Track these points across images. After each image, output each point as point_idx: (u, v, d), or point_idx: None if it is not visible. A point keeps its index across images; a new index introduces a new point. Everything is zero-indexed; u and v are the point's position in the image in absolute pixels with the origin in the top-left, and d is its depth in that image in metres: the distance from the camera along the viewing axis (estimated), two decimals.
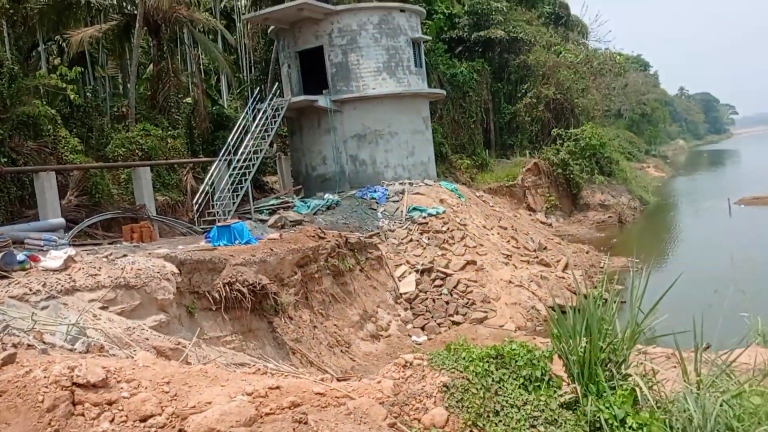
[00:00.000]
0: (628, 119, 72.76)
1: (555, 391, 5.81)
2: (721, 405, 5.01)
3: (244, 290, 12.90)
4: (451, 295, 18.98)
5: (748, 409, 5.11)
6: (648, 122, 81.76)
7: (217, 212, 21.16)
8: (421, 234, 21.24)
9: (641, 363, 5.94)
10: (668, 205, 47.62)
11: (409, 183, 24.87)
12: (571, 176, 36.72)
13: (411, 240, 20.98)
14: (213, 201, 21.63)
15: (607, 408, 5.42)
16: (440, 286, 19.33)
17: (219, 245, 15.85)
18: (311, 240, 17.00)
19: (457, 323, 18.10)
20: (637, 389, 5.52)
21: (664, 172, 73.45)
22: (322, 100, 24.97)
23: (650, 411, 5.37)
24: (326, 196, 23.51)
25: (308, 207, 22.04)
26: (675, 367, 6.62)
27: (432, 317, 18.38)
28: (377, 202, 22.95)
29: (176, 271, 11.43)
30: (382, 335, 17.32)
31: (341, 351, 15.38)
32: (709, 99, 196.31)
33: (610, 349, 5.93)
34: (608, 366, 5.88)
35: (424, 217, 21.87)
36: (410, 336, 17.76)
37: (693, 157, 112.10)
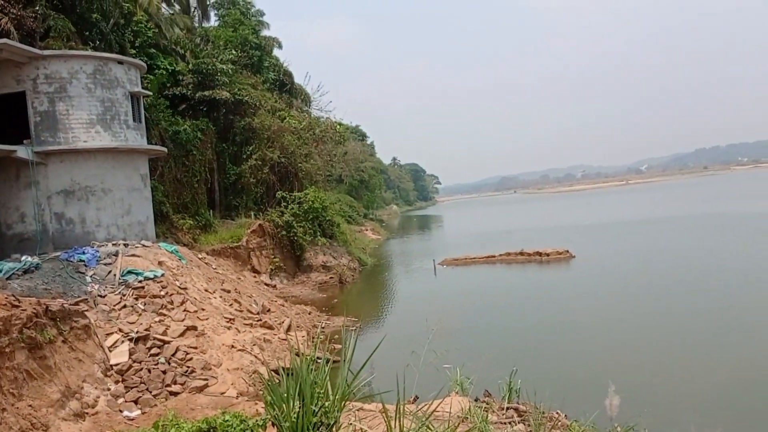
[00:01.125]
0: (348, 185, 77.81)
1: None
2: None
3: None
4: (169, 363, 17.81)
5: None
6: (366, 188, 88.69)
7: None
8: (137, 299, 19.77)
9: (351, 424, 6.04)
10: (383, 265, 51.36)
11: (125, 244, 23.14)
12: (295, 238, 37.77)
13: (125, 306, 19.38)
14: None
15: None
16: (157, 354, 18.03)
17: None
18: (2, 309, 14.74)
19: (176, 393, 16.96)
20: None
21: (380, 234, 79.50)
22: (22, 151, 22.25)
23: None
24: (24, 258, 20.73)
25: (0, 271, 19.20)
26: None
27: (147, 389, 17.00)
28: (86, 265, 20.86)
29: None
30: (87, 413, 15.49)
31: None
32: (418, 169, 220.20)
33: (322, 412, 5.94)
34: (320, 429, 5.87)
35: (141, 281, 20.43)
36: (122, 411, 16.18)
37: (405, 221, 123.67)
